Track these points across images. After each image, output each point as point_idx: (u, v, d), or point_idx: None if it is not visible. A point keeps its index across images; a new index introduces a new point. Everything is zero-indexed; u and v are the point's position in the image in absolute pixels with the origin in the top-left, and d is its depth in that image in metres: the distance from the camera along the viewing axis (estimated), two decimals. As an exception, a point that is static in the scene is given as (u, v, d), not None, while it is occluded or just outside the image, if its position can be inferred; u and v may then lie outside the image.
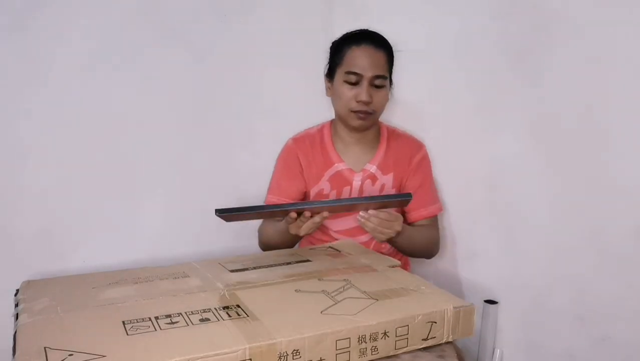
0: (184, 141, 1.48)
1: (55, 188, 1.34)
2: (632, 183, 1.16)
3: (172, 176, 1.47)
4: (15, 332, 0.88)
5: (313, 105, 1.58)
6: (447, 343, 0.99)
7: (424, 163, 1.53)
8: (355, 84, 1.40)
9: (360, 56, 1.40)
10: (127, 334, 0.84)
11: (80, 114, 1.34)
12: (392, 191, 1.51)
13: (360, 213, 1.28)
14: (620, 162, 1.18)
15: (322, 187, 1.51)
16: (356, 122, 1.44)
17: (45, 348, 0.80)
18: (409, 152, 1.51)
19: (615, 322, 1.23)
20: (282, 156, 1.55)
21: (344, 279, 1.10)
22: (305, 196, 1.54)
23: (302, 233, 1.28)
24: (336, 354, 0.89)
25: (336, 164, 1.50)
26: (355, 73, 1.39)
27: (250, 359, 0.82)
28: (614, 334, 1.24)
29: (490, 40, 1.39)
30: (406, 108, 1.61)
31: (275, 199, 1.51)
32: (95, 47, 1.33)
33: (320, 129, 1.56)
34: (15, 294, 1.07)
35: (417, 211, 1.50)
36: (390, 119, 1.62)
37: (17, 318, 0.94)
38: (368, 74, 1.38)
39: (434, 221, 1.53)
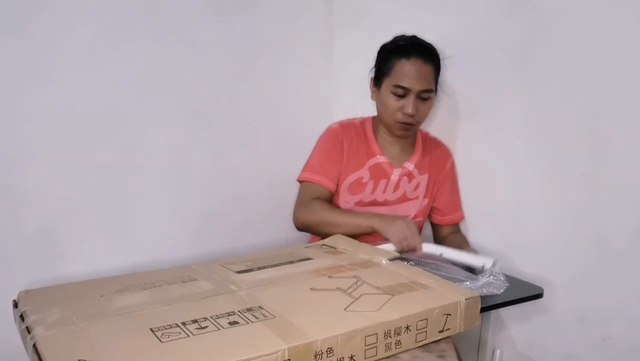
0: (184, 141, 1.46)
1: (54, 188, 1.30)
2: (632, 182, 1.19)
3: (172, 177, 1.46)
4: (35, 346, 0.83)
5: (313, 105, 1.59)
6: (448, 344, 1.02)
7: (454, 170, 1.60)
8: (402, 96, 1.42)
9: (409, 70, 1.41)
10: (161, 341, 0.82)
11: (80, 114, 1.31)
12: (425, 192, 1.57)
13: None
14: (620, 162, 1.21)
15: (362, 175, 1.54)
16: (400, 133, 1.48)
17: (79, 360, 0.76)
18: (442, 157, 1.58)
19: (615, 322, 1.25)
20: (326, 137, 1.56)
21: (354, 276, 1.11)
22: (338, 182, 1.55)
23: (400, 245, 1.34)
24: (365, 350, 0.90)
25: (378, 156, 1.54)
26: (403, 87, 1.41)
27: (289, 359, 0.82)
28: (614, 334, 1.26)
29: (490, 40, 1.42)
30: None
31: (315, 178, 1.52)
32: (95, 47, 1.30)
33: (363, 122, 1.58)
34: (15, 306, 1.02)
35: (449, 217, 1.59)
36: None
37: (28, 331, 0.89)
38: (416, 88, 1.40)
39: (458, 228, 1.62)
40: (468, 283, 1.24)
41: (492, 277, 1.25)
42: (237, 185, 1.55)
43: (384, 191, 1.54)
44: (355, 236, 1.39)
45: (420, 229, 1.60)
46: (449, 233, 1.61)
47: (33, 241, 1.29)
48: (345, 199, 1.56)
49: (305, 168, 1.56)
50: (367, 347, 0.90)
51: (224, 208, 1.54)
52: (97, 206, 1.36)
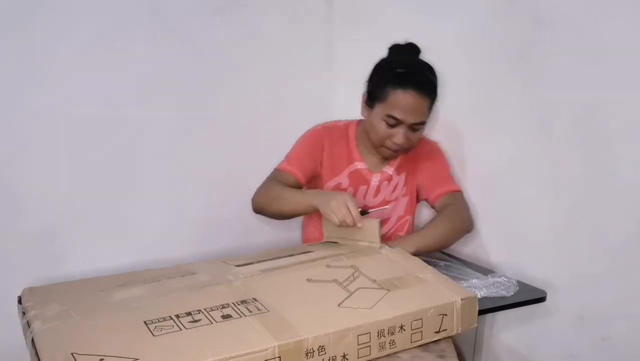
0: (184, 141, 1.47)
1: (54, 188, 1.32)
2: (632, 182, 1.18)
3: (171, 177, 1.46)
4: (32, 340, 0.85)
5: (313, 105, 1.60)
6: (448, 343, 1.01)
7: (435, 152, 1.55)
8: (393, 125, 1.38)
9: (404, 103, 1.35)
10: (153, 335, 0.83)
11: (80, 114, 1.32)
12: (404, 190, 1.53)
13: None
14: (620, 162, 1.19)
15: (341, 181, 1.52)
16: (386, 154, 1.45)
17: (72, 353, 0.78)
18: (422, 151, 1.53)
19: (615, 322, 1.24)
20: (308, 135, 1.53)
21: (351, 266, 1.11)
22: (313, 180, 1.53)
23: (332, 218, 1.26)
24: (358, 349, 0.90)
25: (356, 162, 1.52)
26: (395, 118, 1.37)
27: (279, 357, 0.82)
28: (614, 334, 1.25)
29: (490, 40, 1.41)
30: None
31: (295, 170, 1.48)
32: (95, 47, 1.32)
33: (347, 125, 1.55)
34: (19, 302, 1.04)
35: (435, 190, 1.49)
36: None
37: (28, 325, 0.91)
38: (409, 121, 1.36)
39: (454, 198, 1.48)
40: (476, 280, 1.23)
41: (503, 277, 1.24)
42: (237, 185, 1.55)
43: (364, 197, 1.52)
44: (301, 214, 1.39)
45: (409, 226, 1.57)
46: (441, 209, 1.48)
47: (33, 242, 1.31)
48: None
49: (285, 158, 1.52)
50: (360, 346, 0.90)
51: (224, 207, 1.55)
52: (97, 206, 1.37)
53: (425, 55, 1.52)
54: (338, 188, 1.52)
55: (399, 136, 1.38)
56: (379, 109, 1.39)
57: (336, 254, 1.18)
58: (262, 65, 1.54)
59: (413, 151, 1.51)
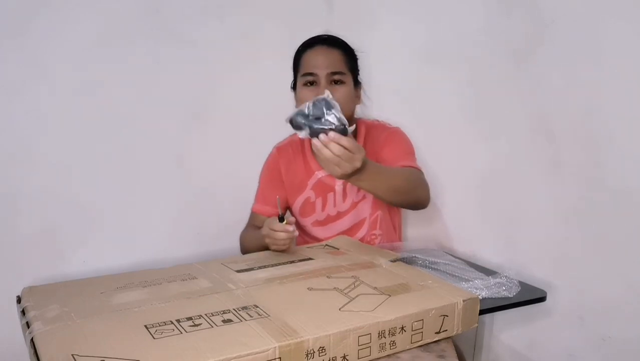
0: (184, 141, 1.47)
1: (55, 188, 1.32)
2: (632, 183, 1.17)
3: (172, 176, 1.47)
4: (32, 341, 0.85)
5: None
6: (448, 343, 1.01)
7: (394, 135, 1.49)
8: (313, 84, 1.39)
9: (314, 57, 1.41)
10: (154, 338, 0.83)
11: (81, 114, 1.33)
12: None
13: (319, 137, 1.08)
14: (620, 162, 1.19)
15: (308, 195, 1.51)
16: None
17: (73, 355, 0.78)
18: (379, 136, 1.49)
19: (615, 322, 1.24)
20: (266, 165, 1.57)
21: (352, 276, 1.12)
22: (288, 205, 1.55)
23: (272, 248, 1.29)
24: (358, 350, 0.90)
25: (316, 172, 1.50)
26: (311, 73, 1.39)
27: (280, 358, 0.82)
28: (614, 334, 1.24)
29: (490, 41, 1.40)
30: (406, 109, 1.63)
31: (261, 208, 1.53)
32: (95, 47, 1.32)
33: None
34: (18, 302, 1.04)
35: (395, 164, 1.38)
36: (388, 119, 1.63)
37: (28, 325, 0.91)
38: (323, 71, 1.38)
39: (416, 172, 1.39)
40: (478, 281, 1.23)
41: (504, 278, 1.24)
42: (237, 184, 1.56)
43: (334, 204, 1.50)
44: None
45: (381, 222, 1.51)
46: None
47: (33, 242, 1.31)
48: (302, 223, 1.54)
49: (255, 199, 1.56)
50: (361, 347, 0.90)
51: (224, 207, 1.55)
52: (97, 206, 1.38)
53: (425, 55, 1.52)
54: (308, 203, 1.52)
55: (320, 91, 1.33)
56: (299, 81, 1.42)
57: (336, 265, 1.19)
58: (262, 66, 1.54)
59: (372, 142, 1.48)
